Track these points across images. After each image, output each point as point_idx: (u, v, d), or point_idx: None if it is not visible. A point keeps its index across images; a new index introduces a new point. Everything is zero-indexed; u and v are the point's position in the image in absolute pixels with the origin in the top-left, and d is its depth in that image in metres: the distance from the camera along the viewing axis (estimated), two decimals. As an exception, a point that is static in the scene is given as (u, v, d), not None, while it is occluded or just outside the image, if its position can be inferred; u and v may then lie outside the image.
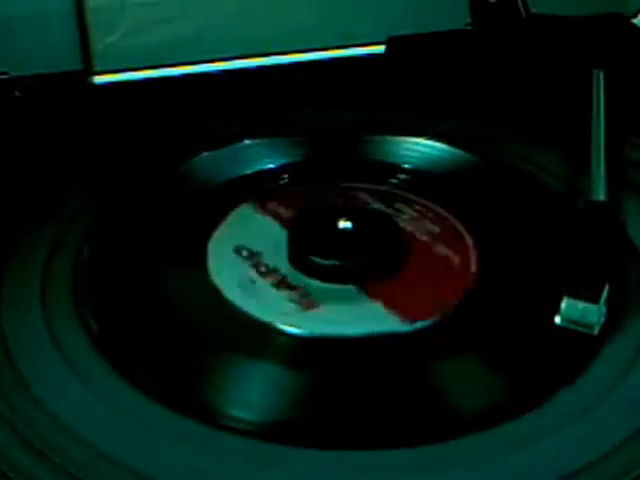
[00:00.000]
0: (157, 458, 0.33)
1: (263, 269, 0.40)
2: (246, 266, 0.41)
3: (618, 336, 0.37)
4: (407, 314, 0.38)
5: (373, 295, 0.39)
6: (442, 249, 0.41)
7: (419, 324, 0.37)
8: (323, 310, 0.38)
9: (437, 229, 0.43)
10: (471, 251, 0.41)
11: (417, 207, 0.44)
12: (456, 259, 0.41)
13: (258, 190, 0.46)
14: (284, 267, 0.40)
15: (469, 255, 0.41)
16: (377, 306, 0.38)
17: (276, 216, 0.43)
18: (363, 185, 0.46)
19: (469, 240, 0.42)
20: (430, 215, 0.43)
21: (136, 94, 0.52)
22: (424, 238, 0.42)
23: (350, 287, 0.39)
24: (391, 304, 0.38)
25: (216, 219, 0.43)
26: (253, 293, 0.39)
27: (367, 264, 0.40)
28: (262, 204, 0.44)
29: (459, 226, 0.43)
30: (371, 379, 0.36)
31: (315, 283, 0.39)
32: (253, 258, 0.41)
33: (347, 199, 0.45)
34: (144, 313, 0.39)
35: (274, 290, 0.39)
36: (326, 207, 0.43)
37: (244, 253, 0.41)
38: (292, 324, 0.37)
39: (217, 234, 0.43)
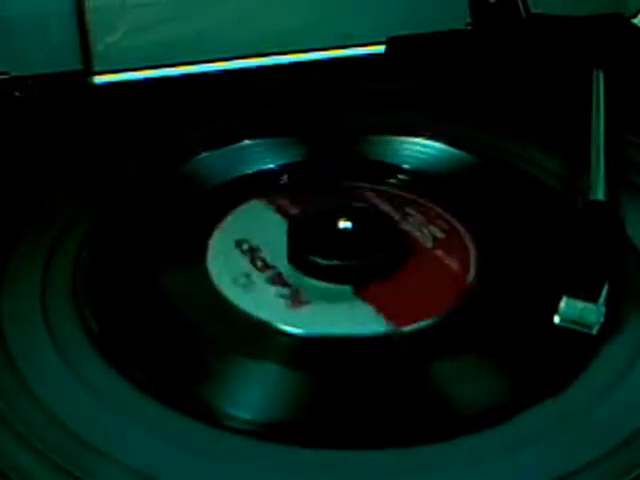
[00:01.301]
0: (157, 458, 0.33)
1: (260, 263, 0.40)
2: (244, 260, 0.40)
3: (617, 336, 0.37)
4: (396, 318, 0.38)
5: (367, 297, 0.39)
6: (442, 249, 0.41)
7: (412, 326, 0.37)
8: (315, 309, 0.38)
9: (438, 229, 0.43)
10: (470, 251, 0.41)
11: (419, 208, 0.44)
12: (455, 259, 0.41)
13: (261, 189, 0.46)
14: (282, 263, 0.40)
15: (468, 255, 0.41)
16: (369, 308, 0.38)
17: (283, 213, 0.43)
18: (369, 185, 0.46)
19: (468, 240, 0.42)
20: (431, 215, 0.43)
21: (136, 94, 0.52)
22: (424, 238, 0.42)
23: (346, 288, 0.39)
24: (383, 306, 0.38)
25: (216, 219, 0.43)
26: (245, 286, 0.39)
27: (365, 265, 0.40)
28: (271, 201, 0.44)
29: (458, 226, 0.43)
30: (370, 379, 0.36)
31: (310, 282, 0.39)
32: (252, 252, 0.41)
33: (353, 199, 0.45)
34: (144, 313, 0.39)
35: (267, 285, 0.39)
36: (326, 207, 0.43)
37: (244, 247, 0.41)
38: (287, 322, 0.37)
39: (222, 227, 0.43)
